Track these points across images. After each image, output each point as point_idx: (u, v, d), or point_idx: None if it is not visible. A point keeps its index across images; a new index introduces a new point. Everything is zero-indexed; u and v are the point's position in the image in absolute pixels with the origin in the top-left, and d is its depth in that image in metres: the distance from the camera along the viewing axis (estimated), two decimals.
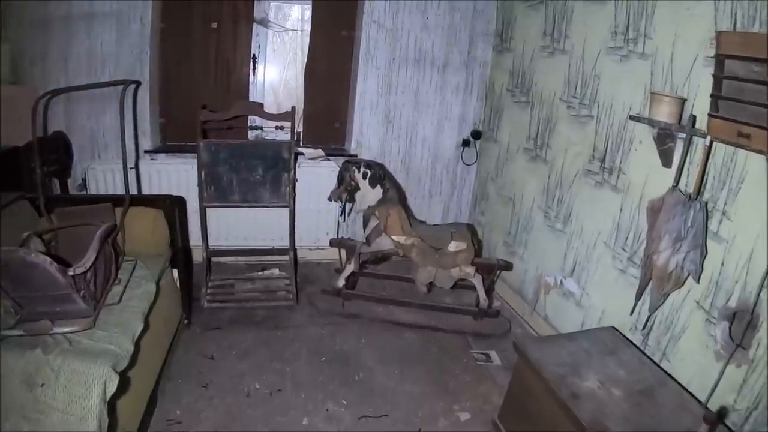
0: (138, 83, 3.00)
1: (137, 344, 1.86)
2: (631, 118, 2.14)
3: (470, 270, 2.71)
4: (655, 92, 2.02)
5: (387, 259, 3.23)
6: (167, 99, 3.39)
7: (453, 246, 2.70)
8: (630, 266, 2.28)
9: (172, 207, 2.45)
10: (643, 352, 2.06)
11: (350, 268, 2.86)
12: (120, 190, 3.14)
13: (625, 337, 2.15)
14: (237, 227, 3.40)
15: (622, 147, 2.33)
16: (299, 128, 3.61)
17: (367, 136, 3.56)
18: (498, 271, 3.00)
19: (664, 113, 1.95)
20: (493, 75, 3.59)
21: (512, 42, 3.32)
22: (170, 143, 3.47)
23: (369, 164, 2.80)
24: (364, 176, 2.78)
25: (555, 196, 2.81)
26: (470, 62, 3.58)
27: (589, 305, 2.55)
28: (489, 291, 2.95)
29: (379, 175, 2.78)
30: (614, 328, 2.19)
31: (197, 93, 3.31)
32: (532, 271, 3.05)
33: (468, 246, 2.70)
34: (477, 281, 2.80)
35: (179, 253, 2.56)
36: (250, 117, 3.55)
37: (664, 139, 2.02)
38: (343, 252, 2.92)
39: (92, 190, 3.19)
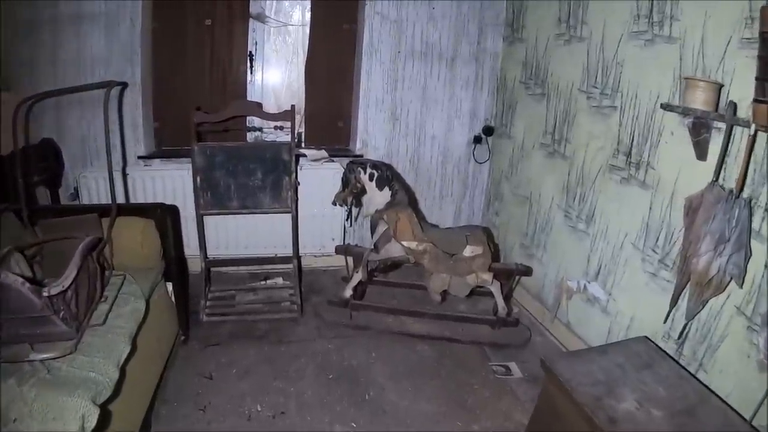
0: (124, 85, 2.90)
1: (124, 369, 1.73)
2: (663, 107, 1.96)
3: (487, 276, 2.54)
4: (690, 77, 1.85)
5: (398, 266, 3.08)
6: (161, 102, 3.27)
7: (468, 251, 2.53)
8: (662, 269, 2.11)
9: (164, 216, 2.32)
10: (680, 365, 1.90)
11: (358, 277, 2.70)
12: (125, 201, 3.09)
13: (659, 347, 1.98)
14: (237, 235, 3.28)
15: (650, 139, 2.17)
16: (300, 128, 3.48)
17: (372, 134, 3.43)
18: (517, 277, 2.83)
19: (700, 100, 1.78)
20: (504, 67, 3.44)
21: (524, 31, 3.16)
22: (166, 148, 3.36)
23: (375, 165, 2.65)
24: (371, 178, 2.62)
25: (576, 195, 2.65)
26: (480, 54, 3.43)
27: (617, 311, 2.38)
28: (507, 298, 2.79)
29: (387, 176, 2.62)
30: (647, 338, 2.02)
31: (192, 94, 3.20)
32: (552, 274, 2.89)
33: (484, 250, 2.54)
34: (495, 288, 2.64)
35: (173, 265, 2.42)
36: (248, 118, 3.42)
37: (699, 129, 1.84)
38: (350, 260, 2.76)
39: (85, 199, 3.08)
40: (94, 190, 3.05)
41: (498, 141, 3.54)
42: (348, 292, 2.76)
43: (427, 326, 2.76)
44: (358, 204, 2.78)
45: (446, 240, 2.60)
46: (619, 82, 2.34)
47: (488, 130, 3.54)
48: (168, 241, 2.36)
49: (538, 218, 3.02)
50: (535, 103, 3.03)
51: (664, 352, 1.96)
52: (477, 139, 3.57)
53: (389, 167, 2.71)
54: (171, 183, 3.13)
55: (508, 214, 3.42)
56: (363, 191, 2.66)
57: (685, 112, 1.83)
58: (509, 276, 2.75)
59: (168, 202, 3.10)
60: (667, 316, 2.01)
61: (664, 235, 2.10)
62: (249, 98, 3.37)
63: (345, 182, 2.66)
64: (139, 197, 3.13)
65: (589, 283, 2.55)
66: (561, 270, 2.80)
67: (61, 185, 3.15)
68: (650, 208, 2.16)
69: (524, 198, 3.17)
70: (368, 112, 3.37)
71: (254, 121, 3.42)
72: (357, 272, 2.69)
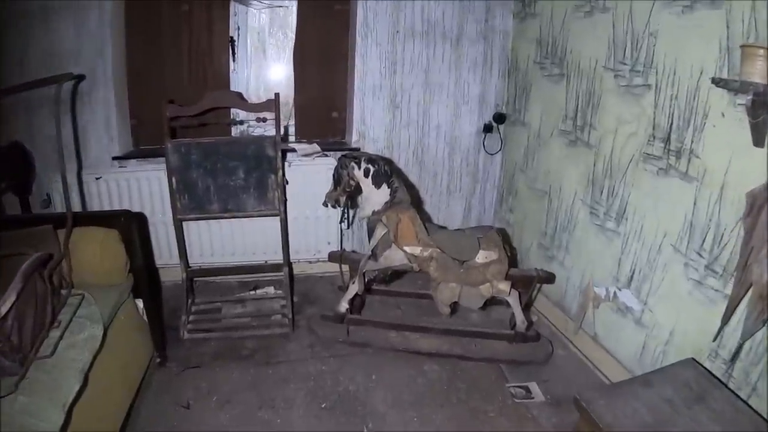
0: (80, 78, 2.66)
1: (73, 409, 1.49)
2: (715, 82, 1.66)
3: (504, 286, 2.25)
4: (748, 44, 1.54)
5: (400, 276, 2.80)
6: (137, 97, 3.04)
7: (481, 256, 2.24)
8: (709, 276, 1.82)
9: (129, 225, 2.06)
10: (734, 393, 1.62)
11: (354, 289, 2.42)
12: (90, 206, 2.87)
13: (708, 372, 1.70)
14: (223, 241, 3.03)
15: (693, 122, 1.87)
16: (291, 121, 3.21)
17: (370, 125, 3.16)
18: (538, 285, 2.53)
19: (761, 72, 1.47)
20: (516, 47, 3.15)
21: (537, 5, 2.87)
22: (144, 147, 3.13)
23: (372, 159, 2.36)
24: (366, 173, 2.33)
25: (604, 188, 2.36)
26: (488, 33, 3.14)
27: (653, 324, 2.10)
28: (526, 308, 2.49)
29: (385, 171, 2.33)
30: (694, 360, 1.74)
31: (170, 88, 2.96)
32: (575, 279, 2.61)
33: (500, 256, 2.24)
34: (513, 299, 2.34)
35: (142, 280, 2.17)
36: (233, 111, 3.15)
37: (758, 108, 1.54)
38: (346, 269, 2.49)
39: (59, 206, 2.84)
40: (75, 196, 2.83)
41: (511, 129, 3.25)
42: (343, 306, 2.48)
43: (435, 342, 2.48)
44: (354, 204, 2.50)
45: (456, 244, 2.31)
46: (653, 56, 2.05)
47: (500, 118, 3.26)
48: (135, 253, 2.10)
49: (558, 215, 2.73)
50: (553, 85, 2.74)
51: (715, 377, 1.69)
52: (487, 128, 3.30)
53: (388, 161, 2.43)
54: (148, 186, 2.90)
55: (523, 211, 3.14)
56: (358, 189, 2.38)
57: (742, 87, 1.53)
58: (529, 284, 2.45)
59: (146, 206, 2.92)
60: (718, 333, 1.73)
61: (711, 236, 1.81)
62: (234, 90, 3.11)
63: (337, 179, 2.38)
64: (114, 203, 2.90)
65: (619, 290, 2.27)
66: (586, 274, 2.51)
67: (31, 192, 2.93)
68: (695, 204, 1.87)
69: (542, 192, 2.88)
70: (365, 100, 3.10)
71: (239, 114, 3.16)
72: (353, 283, 2.41)
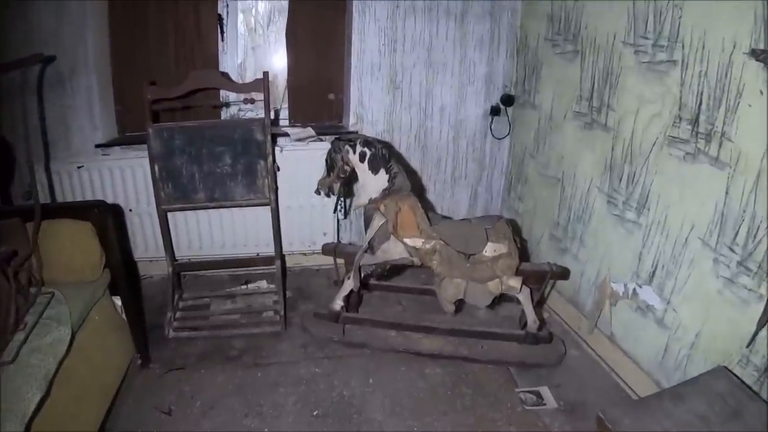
0: (50, 59, 2.53)
1: (38, 418, 1.37)
2: (756, 54, 1.49)
3: (515, 283, 2.09)
4: None
5: (400, 271, 2.65)
6: (122, 82, 2.90)
7: (490, 249, 2.09)
8: (741, 274, 1.67)
9: (104, 217, 1.92)
10: None
11: (349, 285, 2.28)
12: (72, 196, 2.75)
13: (741, 382, 1.57)
14: (212, 232, 2.91)
15: (725, 102, 1.71)
16: (284, 104, 3.06)
17: (368, 107, 3.01)
18: (552, 281, 2.38)
19: None
20: (525, 23, 2.99)
21: None
22: (131, 134, 2.99)
23: (368, 141, 2.19)
24: (362, 158, 2.16)
25: (623, 175, 2.20)
26: (495, 8, 2.98)
27: (677, 324, 1.95)
28: (538, 306, 2.34)
29: (383, 154, 2.17)
30: (726, 369, 1.60)
31: (156, 71, 2.81)
32: (590, 274, 2.46)
33: (510, 249, 2.09)
34: (524, 297, 2.19)
35: (120, 276, 2.03)
36: (223, 94, 3.00)
37: None
38: (341, 262, 2.34)
39: (42, 198, 2.71)
40: (57, 186, 2.75)
41: (520, 112, 3.10)
42: (338, 304, 2.34)
43: (438, 343, 2.33)
44: (351, 193, 2.35)
45: (461, 236, 2.15)
46: (678, 28, 1.88)
47: (508, 99, 3.10)
48: (111, 247, 1.96)
49: (572, 204, 2.58)
50: (566, 63, 2.58)
51: (749, 387, 1.55)
52: (494, 110, 3.14)
53: (387, 145, 2.27)
54: (132, 174, 2.78)
55: (534, 199, 2.98)
56: (353, 176, 2.23)
57: None
58: (541, 280, 2.29)
59: (130, 195, 2.82)
60: (753, 338, 1.58)
61: (745, 229, 1.65)
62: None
63: (330, 165, 2.22)
64: (96, 193, 2.79)
65: (640, 286, 2.13)
66: (602, 269, 2.37)
67: (12, 183, 2.81)
68: (726, 193, 1.71)
69: (554, 180, 2.73)
70: (362, 81, 2.94)
71: (229, 96, 3.01)
72: (348, 279, 2.27)
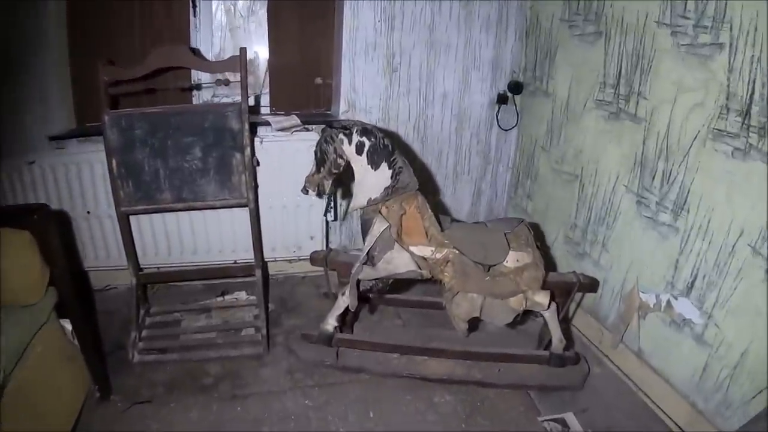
0: None
1: None
2: None
3: (542, 298, 1.92)
4: None
5: (407, 285, 2.48)
6: (80, 65, 2.64)
7: (512, 259, 1.92)
8: None
9: (45, 224, 1.68)
10: None
11: (344, 303, 2.06)
12: (22, 196, 2.50)
13: None
14: (182, 237, 2.69)
15: None
16: (265, 89, 2.85)
17: (362, 93, 2.84)
18: (581, 294, 2.20)
19: None
20: (536, 3, 2.86)
21: None
22: (91, 124, 2.73)
23: (366, 129, 1.94)
24: (359, 149, 1.92)
25: (657, 172, 2.08)
26: None
27: (719, 342, 1.84)
28: (563, 323, 2.18)
29: (384, 145, 1.93)
30: None
31: (119, 52, 2.57)
32: (615, 282, 2.34)
33: (535, 258, 1.91)
34: (551, 315, 2.02)
35: (69, 294, 1.80)
36: (194, 76, 2.77)
37: None
38: (333, 275, 2.13)
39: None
40: (7, 185, 2.50)
41: (530, 100, 2.97)
42: (330, 325, 2.13)
43: (447, 365, 2.16)
44: (348, 193, 2.14)
45: (478, 243, 1.96)
46: (725, 7, 1.76)
47: (516, 87, 2.98)
48: (56, 261, 1.72)
49: (593, 204, 2.45)
50: (587, 46, 2.44)
51: None
52: (501, 99, 3.02)
53: (389, 134, 2.05)
54: (90, 171, 2.54)
55: (546, 197, 2.85)
56: (348, 171, 2.00)
57: None
58: (567, 293, 2.10)
59: (88, 195, 2.60)
60: None
61: None
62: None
63: (320, 158, 1.98)
64: (50, 193, 2.55)
65: (675, 298, 2.01)
66: (629, 277, 2.25)
67: None
68: None
69: (571, 176, 2.60)
70: (355, 62, 2.77)
71: (201, 78, 2.78)
72: (342, 295, 2.06)
